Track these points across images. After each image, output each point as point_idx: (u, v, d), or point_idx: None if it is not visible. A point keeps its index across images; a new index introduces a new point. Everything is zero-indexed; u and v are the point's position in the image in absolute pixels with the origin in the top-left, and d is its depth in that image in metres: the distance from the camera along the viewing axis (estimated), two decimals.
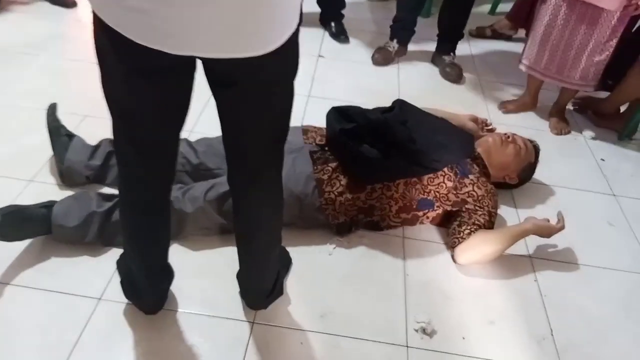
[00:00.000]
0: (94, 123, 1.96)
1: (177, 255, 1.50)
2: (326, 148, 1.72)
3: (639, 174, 2.23)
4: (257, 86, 1.00)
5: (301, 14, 0.97)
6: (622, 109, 2.48)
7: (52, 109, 1.78)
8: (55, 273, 1.46)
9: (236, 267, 1.39)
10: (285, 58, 0.99)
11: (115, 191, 1.60)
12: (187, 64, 0.97)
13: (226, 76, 0.98)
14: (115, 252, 1.48)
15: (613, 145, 2.39)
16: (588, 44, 2.15)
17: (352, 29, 2.96)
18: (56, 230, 1.48)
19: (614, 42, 2.14)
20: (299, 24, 0.97)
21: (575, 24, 2.13)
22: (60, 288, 1.42)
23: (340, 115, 1.72)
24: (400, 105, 1.78)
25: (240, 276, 1.42)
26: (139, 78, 0.96)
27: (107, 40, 0.92)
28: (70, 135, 1.75)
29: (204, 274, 1.52)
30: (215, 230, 1.60)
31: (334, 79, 2.55)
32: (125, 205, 1.23)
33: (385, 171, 1.65)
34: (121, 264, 1.40)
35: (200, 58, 0.94)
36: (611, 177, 2.18)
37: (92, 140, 1.76)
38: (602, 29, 2.10)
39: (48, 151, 1.75)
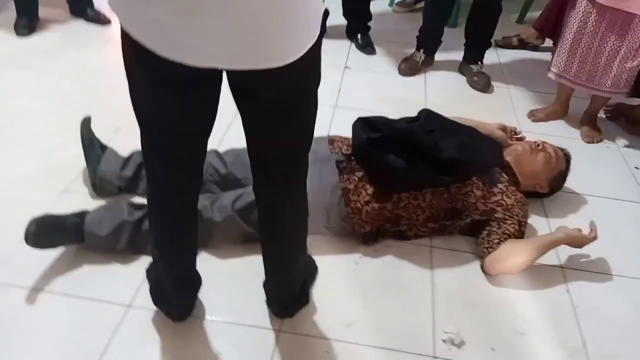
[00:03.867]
0: (126, 135, 1.99)
1: (205, 263, 1.51)
2: (352, 158, 1.72)
3: None
4: (278, 97, 1.01)
5: (324, 25, 0.98)
6: None
7: (86, 122, 1.83)
8: (86, 280, 1.50)
9: (262, 275, 1.40)
10: (306, 69, 1.00)
11: (146, 201, 1.64)
12: (211, 76, 0.98)
13: (247, 88, 1.00)
14: (145, 260, 1.51)
15: None
16: (619, 50, 2.11)
17: (378, 40, 2.98)
18: (88, 238, 1.52)
19: None
20: (321, 36, 0.98)
21: (605, 30, 2.09)
22: (90, 295, 1.46)
23: (366, 125, 1.73)
24: (426, 114, 1.78)
25: (266, 285, 1.43)
26: (163, 89, 0.98)
27: (133, 52, 0.94)
28: (103, 147, 1.80)
29: (231, 282, 1.53)
30: (242, 239, 1.62)
31: (360, 90, 2.56)
32: (153, 215, 1.26)
33: (412, 180, 1.65)
34: (150, 272, 1.42)
35: (222, 70, 0.96)
36: None
37: (125, 152, 1.81)
38: (634, 35, 2.06)
39: (82, 163, 1.80)
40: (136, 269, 1.53)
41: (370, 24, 2.96)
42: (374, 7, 2.99)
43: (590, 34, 2.12)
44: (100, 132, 1.86)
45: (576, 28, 2.15)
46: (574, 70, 2.24)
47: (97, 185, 1.76)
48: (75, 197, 1.76)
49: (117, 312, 1.42)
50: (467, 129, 1.82)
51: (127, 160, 1.79)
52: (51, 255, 1.53)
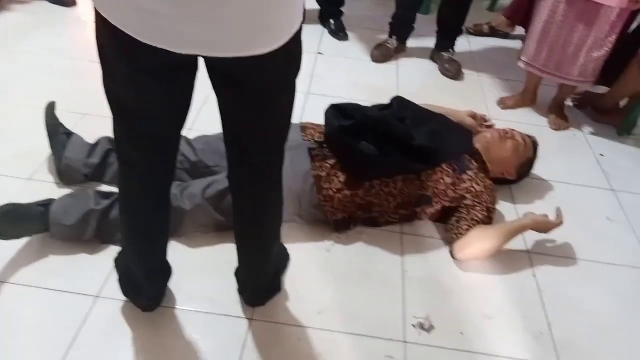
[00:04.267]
0: (92, 121, 1.97)
1: (175, 252, 1.49)
2: (325, 145, 1.72)
3: (638, 169, 2.23)
4: (261, 84, 1.00)
5: (304, 12, 0.97)
6: (622, 104, 2.47)
7: (50, 108, 1.78)
8: (53, 271, 1.46)
9: (234, 264, 1.39)
10: (289, 56, 0.99)
11: (113, 189, 1.61)
12: (190, 63, 0.97)
13: (230, 75, 0.98)
14: (114, 250, 1.48)
15: (612, 141, 2.38)
16: (587, 40, 2.14)
17: (351, 26, 2.96)
18: (54, 228, 1.48)
19: (613, 38, 2.14)
20: (303, 22, 0.97)
21: (574, 20, 2.12)
22: (58, 286, 1.43)
23: (338, 112, 1.72)
24: (398, 102, 1.78)
25: (238, 273, 1.42)
26: (143, 77, 0.96)
27: (111, 39, 0.92)
28: (69, 134, 1.75)
29: (202, 271, 1.52)
30: (213, 228, 1.60)
31: (333, 76, 2.55)
32: (125, 204, 1.24)
33: (384, 168, 1.65)
34: (119, 262, 1.40)
35: (205, 57, 0.94)
36: (610, 172, 2.18)
37: (91, 139, 1.76)
38: (602, 25, 2.10)
39: (47, 150, 1.75)
40: (104, 258, 1.50)
41: (343, 9, 2.94)
42: None
43: (559, 23, 2.16)
44: (66, 117, 1.81)
45: (546, 17, 2.18)
46: (543, 59, 2.28)
47: (63, 173, 1.71)
48: (40, 186, 1.71)
49: (85, 303, 1.39)
50: (438, 117, 1.84)
51: (93, 147, 1.75)
52: (16, 245, 1.49)
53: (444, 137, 1.74)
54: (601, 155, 2.28)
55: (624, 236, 1.88)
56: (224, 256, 1.52)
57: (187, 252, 1.57)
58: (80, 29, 2.68)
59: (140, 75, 0.97)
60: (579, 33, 2.15)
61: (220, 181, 1.58)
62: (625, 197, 2.05)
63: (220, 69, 0.99)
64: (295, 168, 1.63)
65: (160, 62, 0.93)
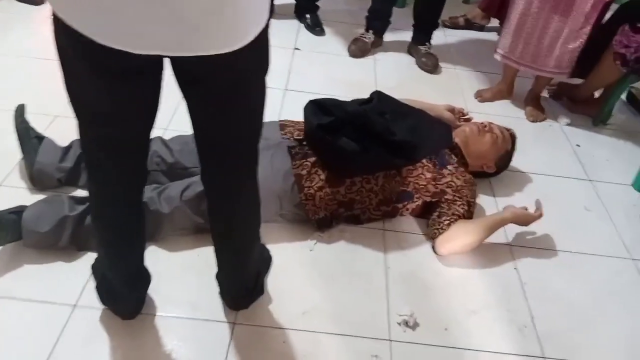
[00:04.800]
0: (64, 123, 1.91)
1: (154, 257, 1.46)
2: (304, 143, 1.70)
3: (613, 158, 2.26)
4: (227, 84, 0.97)
5: (272, 7, 0.95)
6: (597, 94, 2.50)
7: (20, 111, 1.72)
8: (27, 280, 1.42)
9: (215, 267, 1.36)
10: (256, 54, 0.97)
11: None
12: (154, 63, 0.94)
13: (194, 74, 0.95)
14: (90, 257, 1.44)
15: (588, 131, 2.41)
16: (562, 31, 2.16)
17: (327, 20, 2.93)
18: (27, 236, 1.44)
19: (587, 29, 2.16)
20: (269, 18, 0.94)
21: (549, 12, 2.14)
22: (33, 296, 1.38)
23: (318, 108, 1.70)
24: (378, 96, 1.77)
25: (219, 277, 1.40)
26: (106, 79, 0.93)
27: (69, 41, 0.88)
28: (40, 137, 1.70)
29: (182, 275, 1.49)
30: (192, 230, 1.57)
31: (310, 72, 2.52)
32: (96, 210, 1.20)
33: (365, 164, 1.64)
34: (97, 269, 1.36)
35: (167, 57, 0.91)
36: (587, 162, 2.20)
37: (64, 141, 1.71)
38: (576, 17, 2.11)
39: (17, 154, 1.69)
40: (81, 266, 1.46)
41: (319, 3, 2.91)
42: None
43: (534, 15, 2.16)
44: (36, 120, 1.75)
45: (521, 9, 2.18)
46: (519, 51, 2.29)
47: (35, 178, 1.66)
48: (11, 192, 1.65)
49: (62, 313, 1.35)
50: (418, 112, 1.83)
51: (66, 150, 1.70)
52: None
53: (424, 132, 1.73)
54: (577, 145, 2.30)
55: (602, 226, 1.90)
56: (204, 259, 1.50)
57: (166, 256, 1.54)
58: (48, 27, 2.60)
59: (102, 77, 0.93)
60: (554, 24, 2.16)
61: (199, 182, 1.53)
62: (602, 186, 2.08)
63: (185, 69, 0.96)
64: (275, 167, 1.61)
65: (122, 63, 0.89)
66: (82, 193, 1.64)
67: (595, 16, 2.15)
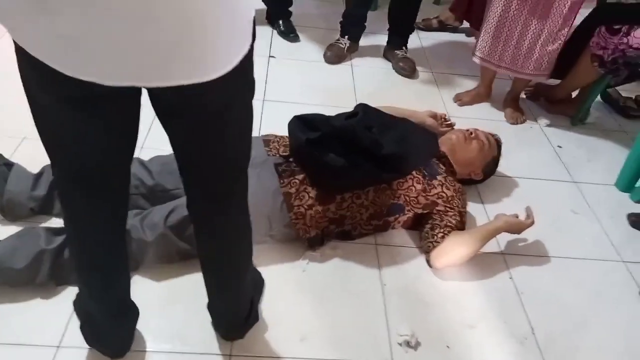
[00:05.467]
0: (33, 146, 1.78)
1: (140, 288, 1.39)
2: (291, 159, 1.64)
3: (594, 158, 2.27)
4: (211, 112, 0.91)
5: (254, 31, 0.89)
6: (573, 94, 2.52)
7: None
8: (4, 322, 1.32)
9: (205, 295, 1.29)
10: (239, 80, 0.91)
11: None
12: (129, 91, 0.85)
13: (174, 105, 0.89)
14: (71, 291, 1.35)
15: (568, 131, 2.42)
16: (541, 34, 2.16)
17: (300, 26, 2.87)
18: (2, 273, 1.34)
19: (565, 31, 2.16)
20: (252, 43, 0.88)
21: (528, 14, 2.13)
22: (11, 339, 1.29)
23: (303, 123, 1.64)
24: (363, 109, 1.73)
25: (211, 307, 1.33)
26: (76, 112, 0.86)
27: (34, 71, 0.81)
28: (9, 164, 1.59)
29: (172, 306, 1.41)
30: (177, 257, 1.49)
31: (287, 80, 2.46)
32: (75, 245, 1.12)
33: (355, 179, 1.59)
34: (79, 305, 1.28)
35: (143, 87, 0.84)
36: (569, 163, 2.21)
37: (33, 166, 1.61)
38: (554, 19, 2.11)
39: None
40: (62, 303, 1.37)
41: (291, 9, 2.85)
42: None
43: (513, 18, 2.16)
44: (2, 143, 1.65)
45: (499, 12, 2.17)
46: (498, 54, 2.28)
47: (6, 208, 1.55)
48: None
49: (45, 356, 1.26)
50: (404, 122, 1.79)
51: (38, 177, 1.59)
52: None
53: (411, 143, 1.69)
54: (559, 146, 2.31)
55: (590, 228, 1.90)
56: (193, 288, 1.42)
57: (152, 286, 1.46)
58: (9, 41, 2.46)
59: (74, 111, 0.86)
60: (533, 27, 2.16)
61: (182, 206, 1.46)
62: (586, 187, 2.09)
63: (162, 100, 0.89)
64: (263, 186, 1.55)
65: (91, 93, 0.81)
66: (57, 222, 1.55)
67: (574, 17, 2.16)
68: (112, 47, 0.75)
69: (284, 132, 1.70)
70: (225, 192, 1.08)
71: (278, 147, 1.69)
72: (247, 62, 0.88)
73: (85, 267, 1.14)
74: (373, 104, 1.85)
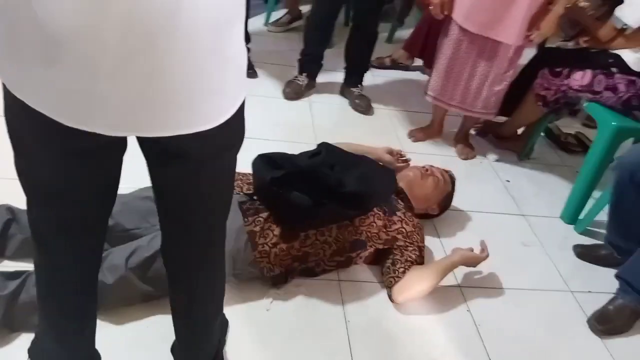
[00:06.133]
0: None
1: (101, 332, 1.33)
2: (254, 197, 1.65)
3: (540, 191, 2.40)
4: (206, 159, 0.93)
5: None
6: (519, 131, 2.66)
7: None
8: None
9: (167, 337, 1.27)
10: (235, 126, 0.93)
11: (17, 265, 1.43)
12: (119, 139, 0.88)
13: (170, 151, 0.90)
14: (26, 338, 1.30)
15: (515, 166, 2.55)
16: (489, 75, 2.28)
17: (258, 61, 2.92)
18: None
19: (511, 73, 2.30)
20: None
21: (476, 57, 2.26)
22: None
23: (267, 162, 1.66)
24: (326, 148, 1.77)
25: (176, 350, 1.30)
26: (68, 160, 0.86)
27: (28, 121, 0.81)
28: None
29: (133, 351, 1.38)
30: (139, 299, 1.46)
31: (248, 116, 2.45)
32: (46, 293, 1.09)
33: (318, 217, 1.62)
34: (37, 353, 1.22)
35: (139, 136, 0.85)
36: (517, 197, 2.33)
37: None
38: (501, 61, 2.24)
39: None
40: (16, 350, 1.30)
41: (249, 45, 2.89)
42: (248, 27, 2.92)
43: (462, 60, 2.28)
44: None
45: (449, 54, 2.29)
46: (449, 93, 2.39)
47: None
48: None
49: None
50: (364, 160, 1.84)
51: None
52: None
53: (372, 180, 1.74)
54: (507, 181, 2.42)
55: (540, 260, 2.00)
56: (155, 330, 1.40)
57: (113, 330, 1.42)
58: None
59: (65, 158, 0.87)
60: (480, 68, 2.28)
61: (144, 247, 1.46)
62: (534, 220, 2.20)
63: (156, 147, 0.90)
64: (228, 225, 1.53)
65: (87, 144, 0.83)
66: (11, 264, 1.49)
67: (518, 60, 2.30)
68: (111, 99, 0.76)
69: (246, 168, 1.71)
70: (207, 238, 1.09)
71: (242, 185, 1.70)
72: (240, 111, 0.92)
73: (55, 311, 1.11)
74: (332, 140, 1.90)
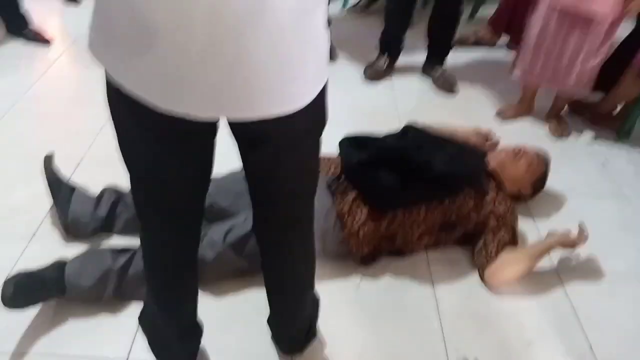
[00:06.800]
0: (90, 166, 1.88)
1: (201, 305, 1.41)
2: (341, 178, 1.67)
3: None
4: (291, 141, 0.96)
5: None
6: (618, 108, 2.49)
7: (48, 161, 1.68)
8: (74, 336, 1.37)
9: (263, 310, 1.32)
10: (317, 109, 0.96)
11: (127, 241, 1.55)
12: (211, 125, 0.93)
13: (258, 135, 0.94)
14: (136, 306, 1.41)
15: (613, 145, 2.39)
16: (581, 50, 2.15)
17: (338, 44, 2.92)
18: (71, 291, 1.39)
19: (606, 47, 2.15)
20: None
21: (567, 31, 2.13)
22: (82, 352, 1.34)
23: (354, 143, 1.68)
24: (412, 130, 1.75)
25: (271, 322, 1.36)
26: (165, 143, 0.92)
27: (126, 106, 0.86)
28: (71, 188, 1.66)
29: (232, 321, 1.45)
30: (236, 274, 1.53)
31: (330, 100, 2.48)
32: (150, 268, 1.17)
33: (407, 198, 1.61)
34: (145, 321, 1.31)
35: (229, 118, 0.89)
36: (617, 178, 2.19)
37: (92, 185, 1.69)
38: (595, 36, 2.10)
39: (44, 203, 1.66)
40: (128, 317, 1.42)
41: (330, 28, 2.90)
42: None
43: (552, 35, 2.16)
44: (61, 164, 1.71)
45: (539, 29, 2.18)
46: (539, 69, 2.27)
47: (70, 227, 1.62)
48: (44, 244, 1.61)
49: None
50: (452, 141, 1.80)
51: (99, 199, 1.66)
52: (30, 312, 1.39)
53: (461, 161, 1.70)
54: (605, 161, 2.28)
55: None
56: (252, 303, 1.47)
57: (212, 303, 1.49)
58: (61, 68, 2.57)
59: (162, 141, 0.92)
60: (572, 43, 2.15)
61: (240, 225, 1.52)
62: (636, 202, 2.06)
63: (246, 130, 0.94)
64: (316, 206, 1.57)
65: (182, 127, 0.87)
66: (118, 239, 1.61)
67: (615, 32, 2.15)
68: (203, 83, 0.80)
69: (331, 151, 1.73)
70: (296, 217, 1.12)
71: (329, 166, 1.72)
72: (322, 95, 0.94)
73: (159, 284, 1.19)
74: (418, 122, 1.87)
